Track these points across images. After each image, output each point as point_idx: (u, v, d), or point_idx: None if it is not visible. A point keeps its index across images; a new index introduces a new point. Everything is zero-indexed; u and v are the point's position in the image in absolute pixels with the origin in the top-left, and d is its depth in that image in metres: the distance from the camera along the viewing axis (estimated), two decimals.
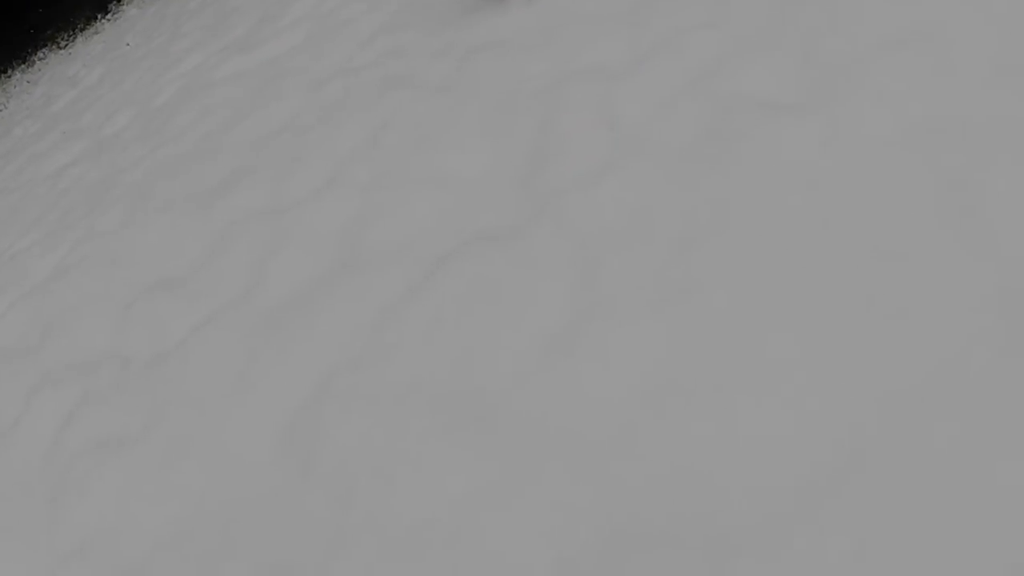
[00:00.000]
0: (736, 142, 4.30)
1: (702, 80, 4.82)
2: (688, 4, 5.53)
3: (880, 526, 2.76)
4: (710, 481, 3.11)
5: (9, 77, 16.31)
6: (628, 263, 3.96)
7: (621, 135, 4.72)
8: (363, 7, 8.18)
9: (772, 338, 3.36)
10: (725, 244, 3.82)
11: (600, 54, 5.46)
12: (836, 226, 3.66)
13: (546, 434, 3.52)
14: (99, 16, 16.35)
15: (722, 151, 4.29)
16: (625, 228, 4.15)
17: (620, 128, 4.78)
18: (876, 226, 3.57)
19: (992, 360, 2.95)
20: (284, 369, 4.48)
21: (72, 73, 13.45)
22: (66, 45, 16.04)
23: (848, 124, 4.10)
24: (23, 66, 16.58)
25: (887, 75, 4.27)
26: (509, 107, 5.38)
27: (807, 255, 3.60)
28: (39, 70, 15.57)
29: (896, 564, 2.67)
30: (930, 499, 2.70)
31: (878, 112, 4.10)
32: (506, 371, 3.80)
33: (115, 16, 15.73)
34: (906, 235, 3.49)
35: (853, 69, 4.41)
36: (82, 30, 16.28)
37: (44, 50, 16.63)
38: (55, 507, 4.85)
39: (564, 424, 3.51)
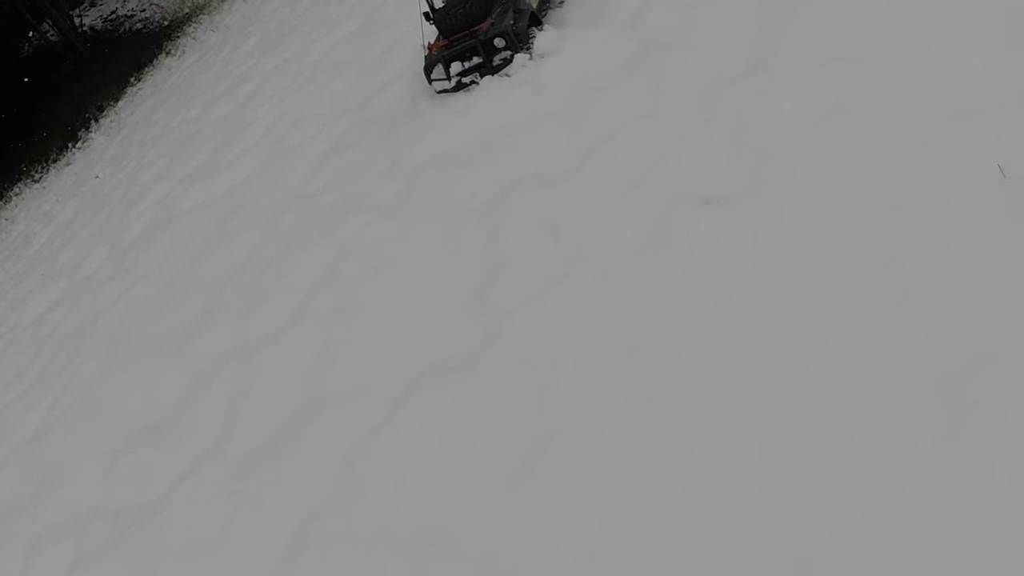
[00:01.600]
0: (676, 242, 4.37)
1: (640, 178, 4.89)
2: (623, 98, 5.63)
3: None
4: None
5: None
6: (579, 381, 4.02)
7: (564, 244, 4.80)
8: (313, 128, 8.32)
9: (724, 447, 3.42)
10: (671, 351, 3.89)
11: (540, 159, 5.56)
12: (778, 321, 3.72)
13: (513, 561, 3.57)
14: (70, 145, 16.56)
15: (663, 253, 4.36)
16: (574, 344, 4.22)
17: (563, 236, 4.86)
18: (818, 316, 3.62)
19: (934, 447, 3.02)
20: (261, 520, 4.55)
21: (47, 209, 13.62)
22: (40, 178, 16.23)
23: (781, 210, 4.17)
24: (0, 203, 16.75)
25: (815, 155, 4.34)
26: (457, 226, 5.47)
27: (752, 356, 3.66)
28: (15, 206, 15.75)
29: None
30: None
31: (809, 195, 4.17)
32: (470, 504, 3.85)
33: (85, 145, 15.94)
34: (847, 322, 3.54)
35: (782, 152, 4.48)
36: (54, 162, 16.48)
37: (19, 184, 16.80)
38: None
39: (529, 551, 3.56)
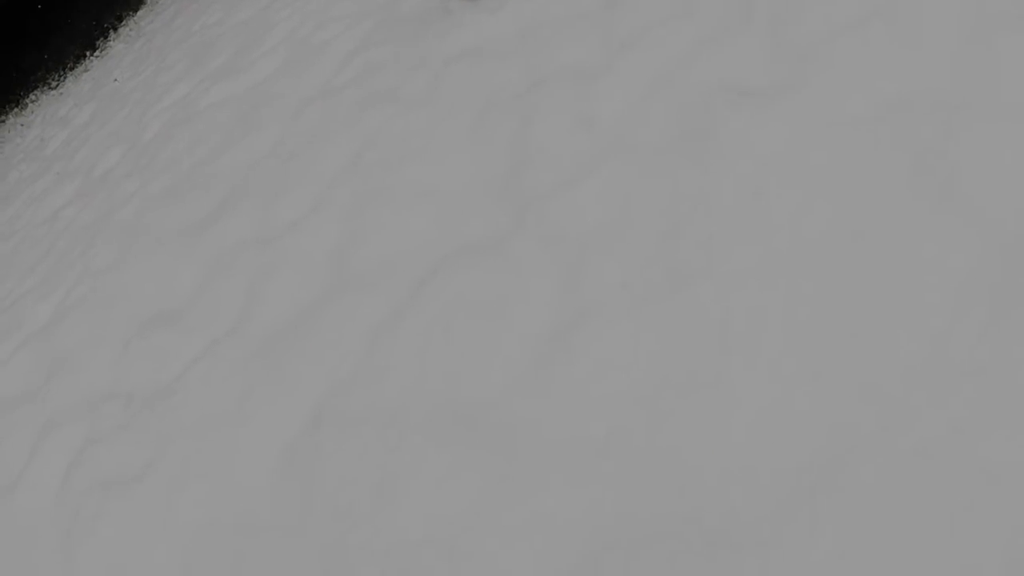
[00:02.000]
0: (711, 134, 4.30)
1: (674, 73, 4.81)
2: None
3: (872, 520, 2.76)
4: (704, 478, 3.12)
5: (3, 121, 16.37)
6: (611, 263, 3.96)
7: (598, 135, 4.72)
8: (338, 28, 8.19)
9: (758, 331, 3.36)
10: (706, 238, 3.83)
11: (573, 55, 5.47)
12: (814, 213, 3.65)
13: (539, 442, 3.52)
14: (88, 54, 16.41)
15: (698, 144, 4.29)
16: (606, 228, 4.15)
17: (597, 128, 4.78)
18: (854, 209, 3.56)
19: (978, 335, 2.95)
20: (281, 396, 4.50)
21: (64, 113, 13.49)
22: (57, 85, 16.11)
23: (819, 107, 4.10)
24: (16, 109, 16.66)
25: (854, 54, 4.27)
26: (487, 115, 5.39)
27: (787, 244, 3.60)
28: (32, 112, 15.64)
29: (889, 557, 2.68)
30: (921, 492, 2.70)
31: (847, 92, 4.10)
32: (497, 382, 3.80)
33: (103, 53, 15.78)
34: (884, 215, 3.48)
35: (820, 50, 4.40)
36: (71, 69, 16.35)
37: (36, 92, 16.71)
38: (66, 549, 4.87)
39: (557, 431, 3.51)
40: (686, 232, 3.89)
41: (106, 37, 16.64)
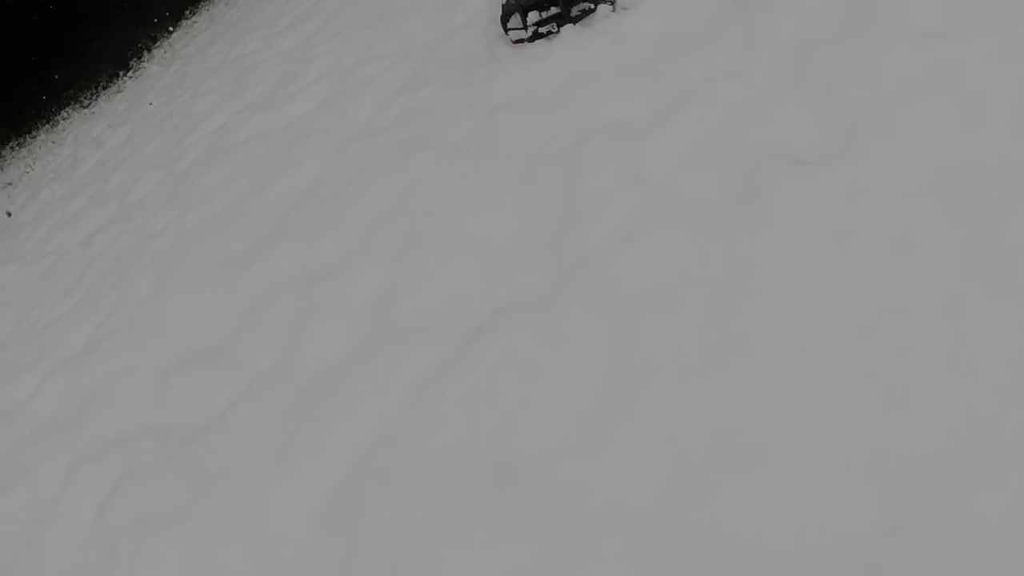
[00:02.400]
0: (764, 198, 4.30)
1: (726, 134, 4.82)
2: (709, 54, 5.54)
3: None
4: (759, 553, 3.11)
5: (34, 138, 16.45)
6: (663, 328, 3.96)
7: (648, 194, 4.73)
8: (381, 66, 8.23)
9: (811, 404, 3.36)
10: (760, 305, 3.82)
11: (623, 109, 5.48)
12: (866, 287, 3.65)
13: (589, 508, 3.51)
14: (121, 74, 16.50)
15: (749, 209, 4.29)
16: (657, 291, 4.15)
17: (647, 186, 4.78)
18: (907, 286, 3.56)
19: None
20: (323, 445, 4.50)
21: (96, 134, 13.56)
22: (89, 104, 16.19)
23: (874, 175, 4.10)
24: (47, 126, 16.73)
25: (910, 123, 4.27)
26: (534, 167, 5.40)
27: (839, 318, 3.59)
28: (63, 130, 15.71)
29: None
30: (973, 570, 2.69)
31: (903, 162, 4.10)
32: (547, 443, 3.80)
33: (137, 74, 15.88)
34: (939, 292, 3.47)
35: (875, 117, 4.41)
36: (104, 88, 16.43)
37: (68, 109, 16.79)
38: None
39: (607, 497, 3.50)
40: (738, 301, 3.88)
41: (140, 57, 16.75)
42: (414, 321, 4.85)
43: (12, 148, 16.54)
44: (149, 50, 16.70)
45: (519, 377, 4.13)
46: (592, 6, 6.66)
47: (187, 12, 17.34)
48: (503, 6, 6.99)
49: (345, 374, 4.81)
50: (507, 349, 4.29)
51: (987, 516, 2.76)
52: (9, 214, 12.78)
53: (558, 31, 6.76)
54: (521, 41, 6.99)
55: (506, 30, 7.00)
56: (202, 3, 17.31)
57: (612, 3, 6.67)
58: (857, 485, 3.05)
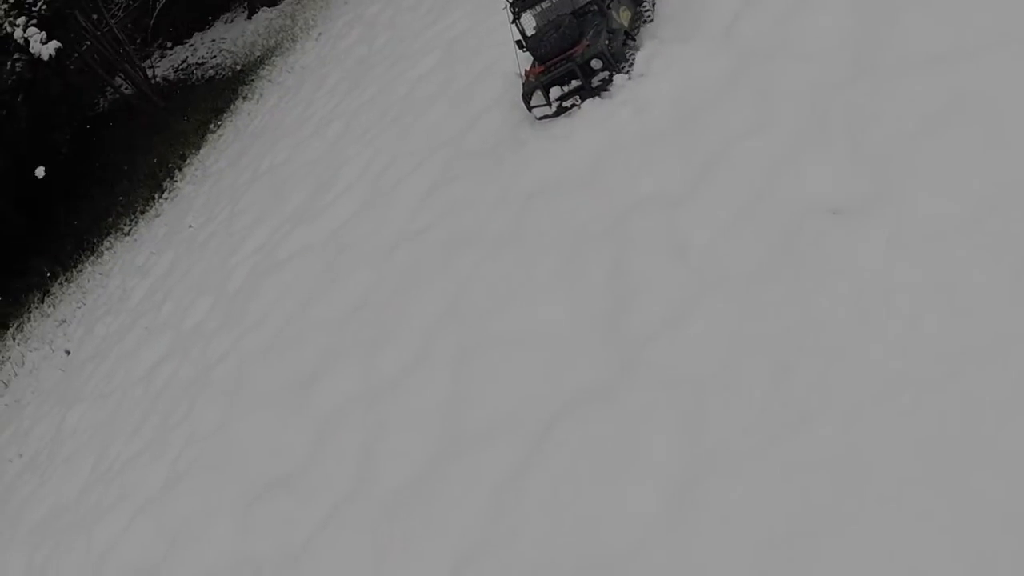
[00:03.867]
0: (807, 256, 4.31)
1: (761, 192, 4.83)
2: (729, 112, 5.58)
3: None
4: None
5: (81, 271, 16.69)
6: (727, 405, 3.97)
7: (693, 266, 4.75)
8: (410, 164, 8.31)
9: (883, 463, 3.35)
10: (819, 369, 3.82)
11: (655, 181, 5.51)
12: (923, 329, 3.65)
13: None
14: (156, 196, 16.74)
15: (796, 269, 4.30)
16: (717, 367, 4.17)
17: (691, 257, 4.81)
18: (963, 321, 3.55)
19: None
20: (413, 563, 4.54)
21: (141, 262, 13.73)
22: (130, 231, 16.41)
23: (912, 216, 4.09)
24: (92, 257, 16.97)
25: (938, 154, 4.26)
26: (576, 252, 5.45)
27: (902, 367, 3.59)
28: (108, 260, 15.92)
29: None
30: None
31: (938, 195, 4.10)
32: (630, 536, 3.81)
33: (172, 195, 16.09)
34: (995, 324, 3.47)
35: (904, 154, 4.40)
36: (142, 213, 16.65)
37: (110, 238, 17.02)
38: None
39: None
40: (798, 366, 3.89)
41: (172, 178, 16.98)
42: (482, 425, 4.90)
43: (61, 284, 16.78)
44: (180, 169, 16.93)
45: (594, 473, 4.16)
46: (609, 75, 6.74)
47: (211, 126, 17.59)
48: (523, 85, 7.11)
49: (424, 489, 4.85)
50: (578, 445, 4.33)
51: None
52: (68, 352, 12.96)
53: (581, 104, 6.84)
54: (546, 117, 7.06)
55: (530, 108, 7.08)
56: (225, 114, 17.54)
57: (628, 73, 6.75)
58: (943, 536, 3.06)
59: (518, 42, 7.13)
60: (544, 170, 6.51)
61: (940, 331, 3.60)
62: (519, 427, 4.71)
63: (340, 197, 9.07)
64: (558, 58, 6.90)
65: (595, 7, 6.99)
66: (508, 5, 7.29)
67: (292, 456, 6.04)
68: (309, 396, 6.43)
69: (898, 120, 4.61)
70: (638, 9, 7.49)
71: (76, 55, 20.87)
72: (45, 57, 17.29)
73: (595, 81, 6.80)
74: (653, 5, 7.42)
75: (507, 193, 6.63)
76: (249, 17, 22.46)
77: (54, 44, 17.32)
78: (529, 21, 7.30)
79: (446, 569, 4.37)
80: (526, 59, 7.31)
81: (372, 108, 10.70)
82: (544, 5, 7.17)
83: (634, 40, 7.10)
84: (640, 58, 6.78)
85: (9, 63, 17.90)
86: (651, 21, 7.31)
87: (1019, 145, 4.02)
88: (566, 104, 6.93)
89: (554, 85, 6.91)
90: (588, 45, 6.74)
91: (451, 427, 5.08)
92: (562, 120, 6.89)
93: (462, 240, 6.54)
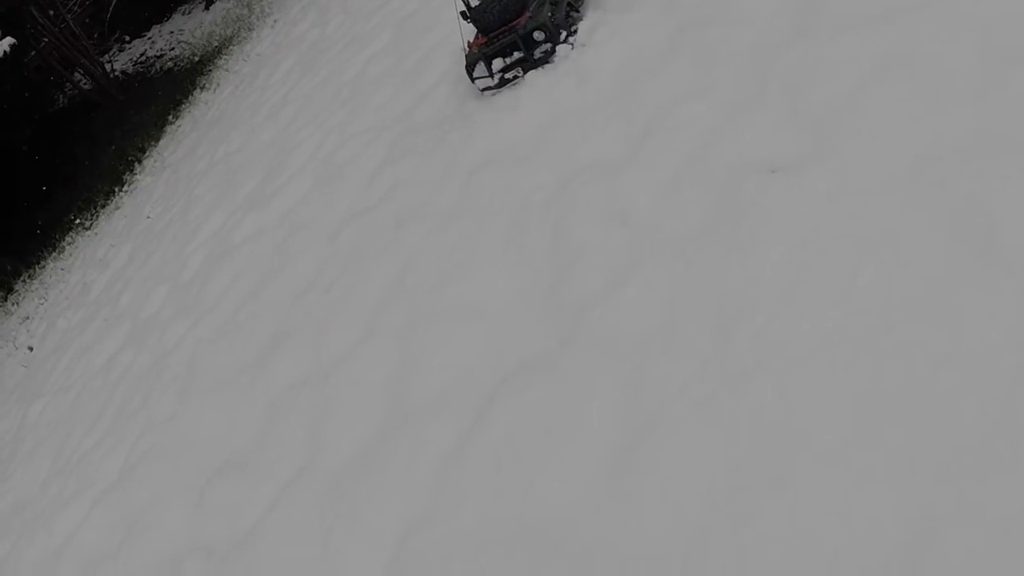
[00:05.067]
0: (746, 215, 4.30)
1: (701, 154, 4.83)
2: (670, 78, 5.57)
3: None
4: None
5: (43, 267, 16.57)
6: (667, 366, 3.96)
7: (634, 230, 4.73)
8: (360, 144, 8.29)
9: (822, 419, 3.33)
10: (758, 327, 3.81)
11: (596, 148, 5.50)
12: (861, 283, 3.64)
13: (619, 557, 3.51)
14: (116, 189, 16.62)
15: (735, 229, 4.29)
16: (657, 329, 4.15)
17: (632, 223, 4.79)
18: (901, 275, 3.55)
19: None
20: (360, 538, 4.51)
21: (102, 254, 13.64)
22: (90, 225, 16.30)
23: (850, 173, 4.09)
24: (54, 253, 16.86)
25: (875, 112, 4.26)
26: (521, 222, 5.42)
27: (840, 322, 3.58)
28: (69, 255, 15.82)
29: None
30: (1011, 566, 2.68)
31: (876, 152, 4.09)
32: (572, 501, 3.79)
33: (131, 187, 15.97)
34: (933, 276, 3.46)
35: (842, 113, 4.40)
36: (103, 207, 16.54)
37: (71, 233, 16.91)
38: None
39: (636, 549, 3.48)
40: (737, 325, 3.88)
41: (132, 171, 16.86)
42: (427, 398, 4.88)
43: (24, 281, 16.67)
44: (140, 161, 16.81)
45: (535, 440, 4.14)
46: (552, 46, 6.71)
47: (170, 117, 17.47)
48: (466, 56, 7.06)
49: (370, 463, 4.83)
50: (520, 413, 4.31)
51: (1011, 501, 2.76)
52: (31, 348, 12.87)
53: (523, 76, 6.81)
54: (489, 88, 7.03)
55: (473, 79, 7.05)
56: (183, 105, 17.44)
57: (571, 43, 6.72)
58: (883, 492, 3.05)
59: (462, 13, 7.07)
60: (490, 142, 6.49)
61: (876, 284, 3.59)
62: (462, 399, 4.68)
63: (292, 180, 9.04)
64: (501, 29, 6.85)
65: None
66: None
67: (243, 439, 6.00)
68: (260, 378, 6.39)
69: (835, 80, 4.60)
70: None
71: (33, 52, 20.68)
72: (0, 54, 17.12)
73: (537, 53, 6.76)
74: None
75: (453, 167, 6.61)
76: (207, 8, 22.34)
77: (8, 40, 17.14)
78: None
79: (392, 540, 4.35)
80: (470, 31, 7.28)
81: (324, 91, 10.67)
82: None
83: (577, 11, 7.05)
84: (583, 28, 6.75)
85: None
86: None
87: (952, 101, 4.02)
88: (508, 76, 6.90)
89: (496, 57, 6.89)
90: (531, 16, 6.70)
91: (397, 401, 5.05)
92: (507, 92, 6.86)
93: (410, 216, 6.51)
